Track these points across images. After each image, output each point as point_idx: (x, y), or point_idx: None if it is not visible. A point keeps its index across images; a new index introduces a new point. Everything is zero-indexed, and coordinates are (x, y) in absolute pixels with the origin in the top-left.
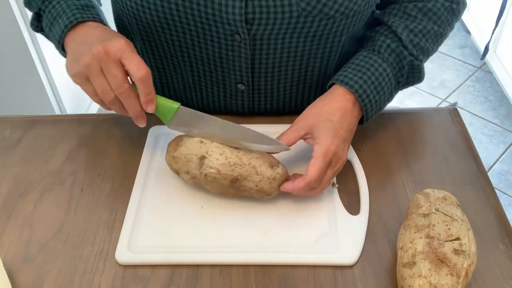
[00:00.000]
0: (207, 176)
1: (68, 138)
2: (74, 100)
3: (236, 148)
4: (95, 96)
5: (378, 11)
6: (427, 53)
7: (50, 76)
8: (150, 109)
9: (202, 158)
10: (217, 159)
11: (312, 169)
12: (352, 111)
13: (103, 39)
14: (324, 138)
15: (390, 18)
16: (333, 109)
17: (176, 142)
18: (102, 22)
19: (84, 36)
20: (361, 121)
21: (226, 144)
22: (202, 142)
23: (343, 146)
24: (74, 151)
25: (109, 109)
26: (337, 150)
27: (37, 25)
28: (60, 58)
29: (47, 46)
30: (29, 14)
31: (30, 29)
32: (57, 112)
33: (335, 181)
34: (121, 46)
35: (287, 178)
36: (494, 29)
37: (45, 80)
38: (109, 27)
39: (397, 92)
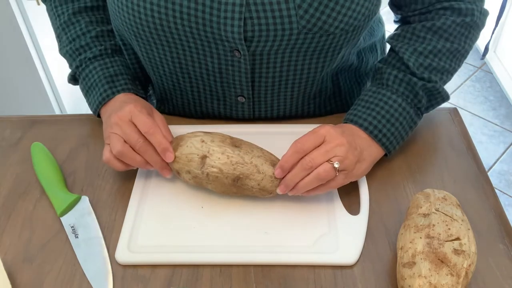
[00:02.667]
0: (209, 175)
1: (68, 138)
2: (74, 100)
3: (237, 146)
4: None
5: (391, 34)
6: (444, 72)
7: (50, 76)
8: (168, 158)
9: (204, 157)
10: (219, 158)
11: (301, 138)
12: (365, 142)
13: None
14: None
15: (399, 43)
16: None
17: (177, 142)
18: (131, 90)
19: (112, 110)
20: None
21: None
22: (203, 141)
23: (341, 138)
24: (74, 151)
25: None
26: (333, 132)
27: (74, 83)
28: (61, 58)
29: (47, 47)
30: (29, 13)
31: (30, 29)
32: (57, 112)
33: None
34: (130, 109)
35: None
36: (494, 29)
37: (45, 80)
38: (137, 93)
39: (422, 117)
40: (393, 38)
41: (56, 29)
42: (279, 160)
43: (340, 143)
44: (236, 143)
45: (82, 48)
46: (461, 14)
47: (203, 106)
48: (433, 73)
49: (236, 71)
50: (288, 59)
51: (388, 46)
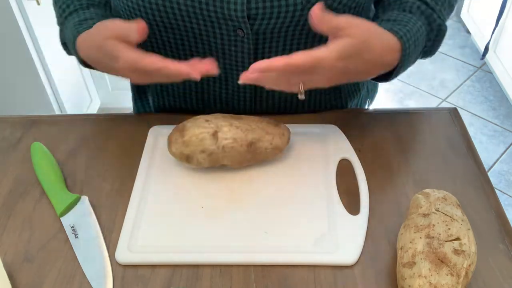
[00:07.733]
0: (225, 147)
1: (68, 138)
2: (74, 100)
3: (238, 119)
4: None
5: None
6: (450, 11)
7: (50, 76)
8: (205, 70)
9: (215, 133)
10: (229, 130)
11: (301, 56)
12: (388, 51)
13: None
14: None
15: None
16: (378, 30)
17: (180, 130)
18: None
19: (87, 47)
20: (388, 77)
21: None
22: (207, 120)
23: (332, 74)
24: (74, 151)
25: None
26: (330, 67)
27: (67, 52)
28: (60, 58)
29: (47, 46)
30: (29, 13)
31: (30, 29)
32: (57, 112)
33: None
34: (126, 61)
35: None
36: (494, 29)
37: (45, 80)
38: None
39: (419, 58)
40: None
41: (54, 6)
42: (275, 120)
43: (328, 78)
44: (235, 117)
45: (64, 12)
46: None
47: (205, 93)
48: (446, 12)
49: (239, 51)
50: (291, 37)
51: None
